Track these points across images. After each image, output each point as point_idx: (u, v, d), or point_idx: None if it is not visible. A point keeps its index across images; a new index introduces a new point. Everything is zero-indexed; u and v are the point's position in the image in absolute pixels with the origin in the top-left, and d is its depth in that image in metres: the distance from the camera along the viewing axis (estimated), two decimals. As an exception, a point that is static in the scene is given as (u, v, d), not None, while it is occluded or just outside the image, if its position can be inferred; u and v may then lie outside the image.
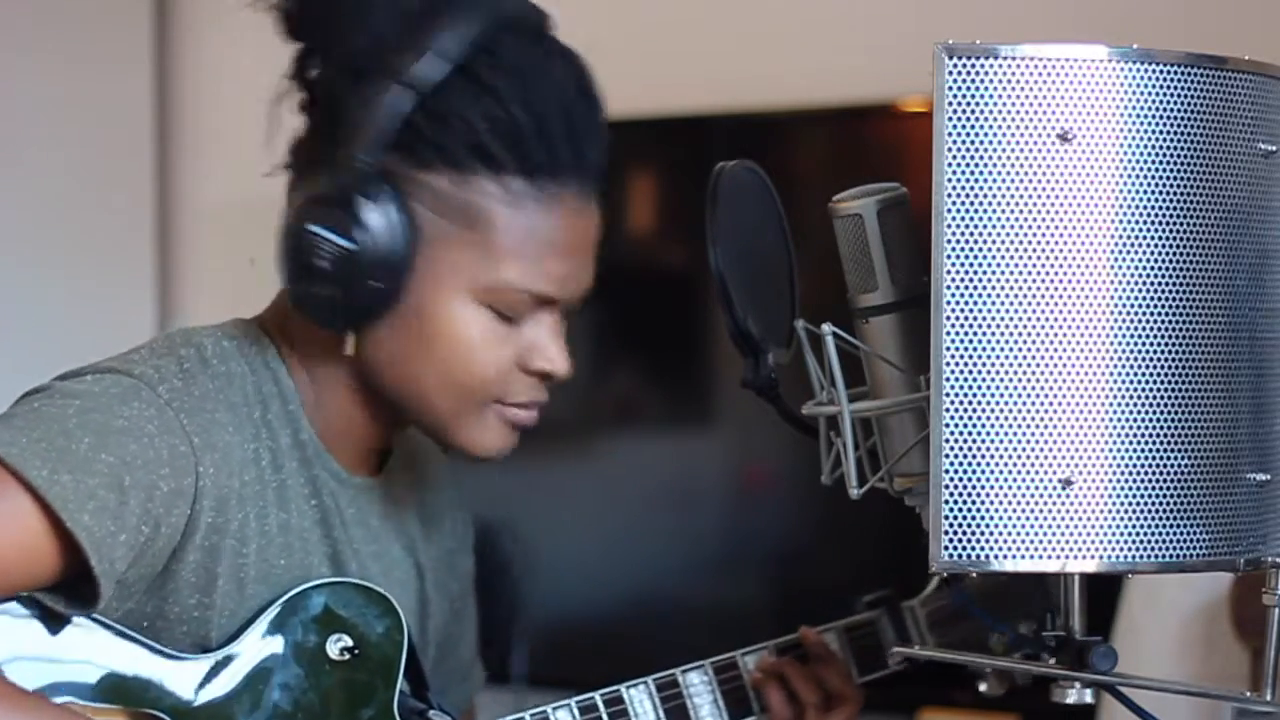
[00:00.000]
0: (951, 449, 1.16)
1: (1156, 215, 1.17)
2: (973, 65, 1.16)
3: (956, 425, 1.16)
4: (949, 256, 1.16)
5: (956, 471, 1.16)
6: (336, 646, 1.41)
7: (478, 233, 1.39)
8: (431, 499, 1.60)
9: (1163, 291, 1.17)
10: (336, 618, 1.42)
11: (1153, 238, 1.17)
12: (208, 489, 1.35)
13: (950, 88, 1.16)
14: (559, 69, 1.42)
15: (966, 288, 1.16)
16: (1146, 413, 1.17)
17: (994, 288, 1.16)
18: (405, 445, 1.56)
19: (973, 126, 1.16)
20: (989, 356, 1.16)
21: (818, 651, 1.60)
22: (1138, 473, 1.17)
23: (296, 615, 1.40)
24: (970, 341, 1.16)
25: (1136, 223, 1.17)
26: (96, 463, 1.29)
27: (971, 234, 1.16)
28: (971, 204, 1.16)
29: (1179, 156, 1.18)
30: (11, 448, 1.27)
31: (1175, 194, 1.18)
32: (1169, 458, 1.18)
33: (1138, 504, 1.17)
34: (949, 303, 1.16)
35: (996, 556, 1.16)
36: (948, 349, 1.16)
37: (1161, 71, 1.17)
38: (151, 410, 1.33)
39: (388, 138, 1.36)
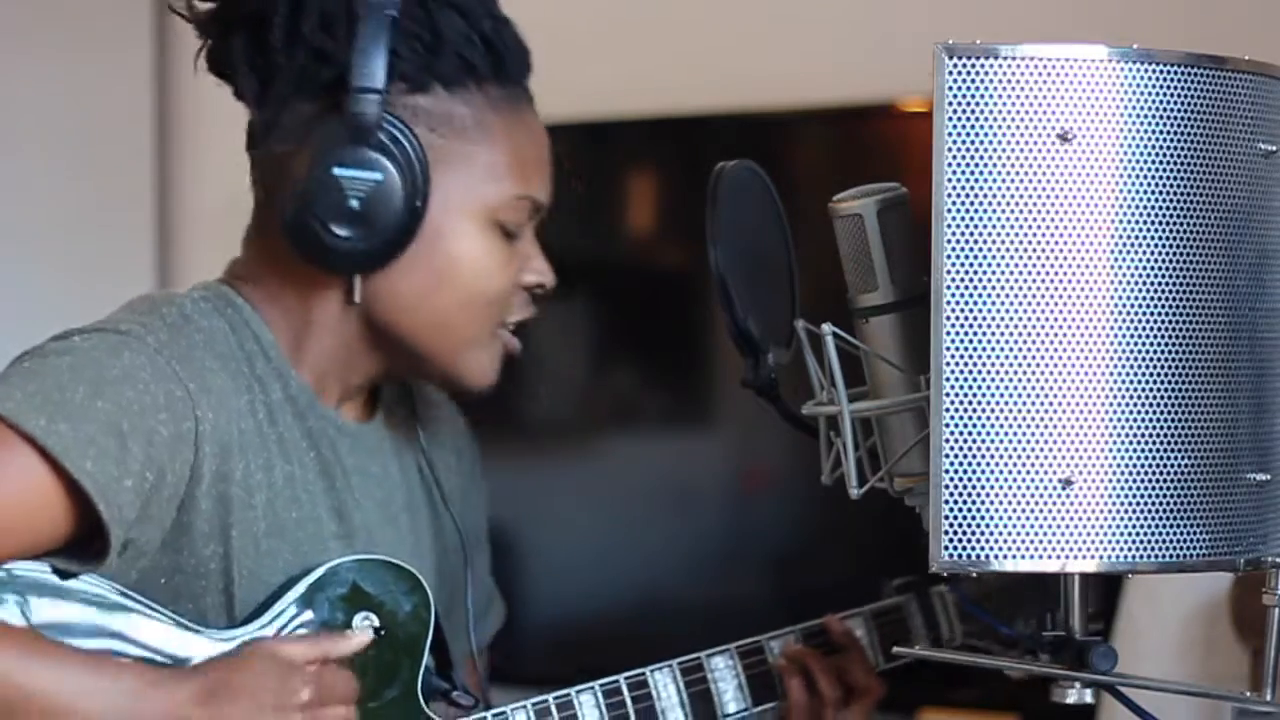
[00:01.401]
0: (951, 449, 1.16)
1: (1156, 215, 1.17)
2: (973, 65, 1.16)
3: (956, 425, 1.16)
4: (949, 256, 1.16)
5: (956, 471, 1.16)
6: (363, 625, 1.41)
7: (476, 145, 1.44)
8: (432, 433, 1.60)
9: (1163, 291, 1.17)
10: (364, 595, 1.41)
11: (1153, 238, 1.17)
12: (208, 433, 1.35)
13: (950, 88, 1.16)
14: None
15: (966, 288, 1.16)
16: (1146, 413, 1.17)
17: (994, 288, 1.16)
18: (403, 390, 1.57)
19: (973, 126, 1.16)
20: (989, 356, 1.16)
21: (842, 642, 1.61)
22: (1138, 473, 1.17)
23: (324, 592, 1.40)
24: (970, 341, 1.16)
25: (1136, 223, 1.17)
26: (93, 410, 1.29)
27: (971, 234, 1.16)
28: (971, 204, 1.16)
29: (1179, 156, 1.18)
30: (7, 402, 1.28)
31: (1175, 194, 1.18)
32: (1169, 458, 1.18)
33: (1138, 504, 1.17)
34: (949, 303, 1.16)
35: (996, 556, 1.16)
36: (948, 349, 1.16)
37: (1161, 71, 1.17)
38: (143, 358, 1.34)
39: (382, 68, 1.39)
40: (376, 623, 1.41)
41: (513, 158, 1.46)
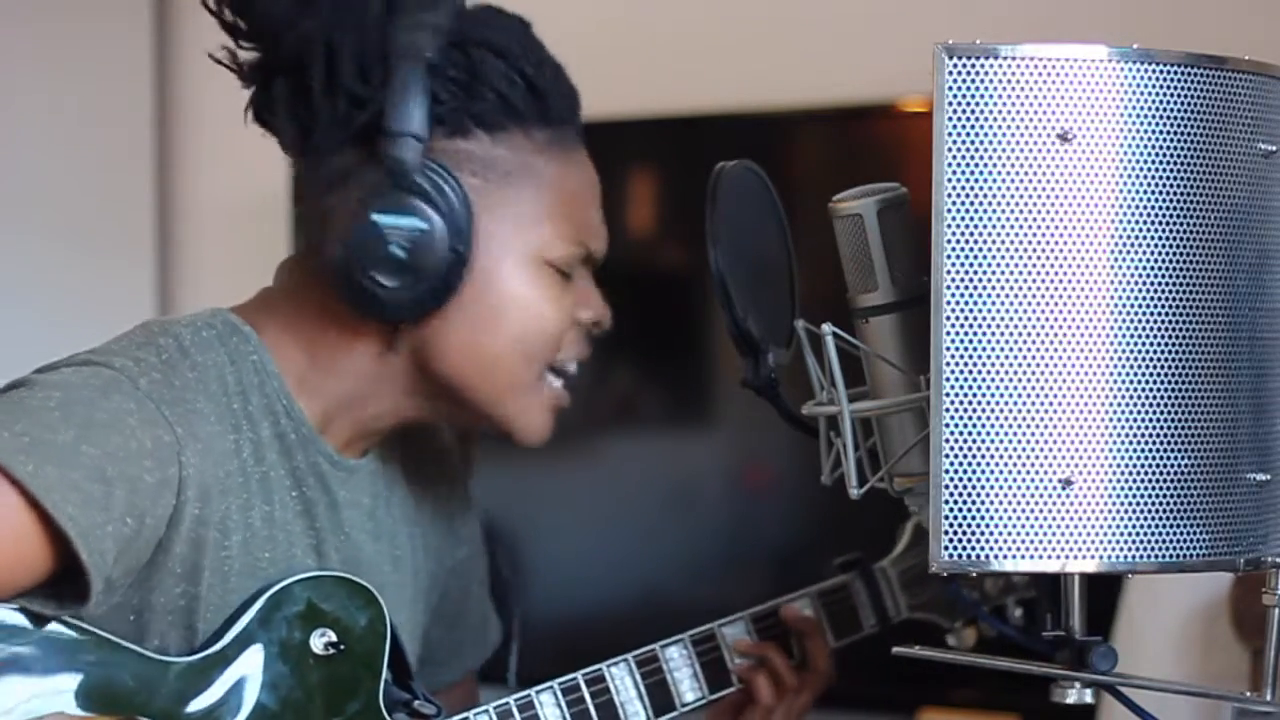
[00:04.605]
0: (951, 449, 1.16)
1: (1156, 215, 1.17)
2: (973, 65, 1.16)
3: (956, 425, 1.16)
4: (949, 256, 1.16)
5: (956, 471, 1.16)
6: (321, 641, 1.41)
7: (521, 189, 1.43)
8: (421, 469, 1.60)
9: (1163, 291, 1.17)
10: (319, 612, 1.41)
11: (1153, 238, 1.17)
12: (191, 479, 1.34)
13: (950, 88, 1.16)
14: (528, 29, 1.48)
15: (966, 288, 1.16)
16: (1146, 413, 1.17)
17: (994, 288, 1.16)
18: None
19: (973, 126, 1.16)
20: (989, 356, 1.16)
21: (800, 628, 1.61)
22: (1138, 473, 1.17)
23: (280, 611, 1.40)
24: (970, 341, 1.16)
25: (1136, 223, 1.17)
26: (80, 455, 1.28)
27: (971, 234, 1.16)
28: (971, 204, 1.16)
29: (1179, 156, 1.18)
30: None
31: (1175, 194, 1.18)
32: (1169, 458, 1.18)
33: (1138, 504, 1.17)
34: (949, 303, 1.16)
35: (996, 556, 1.16)
36: (948, 349, 1.16)
37: (1161, 71, 1.17)
38: (132, 403, 1.33)
39: (420, 113, 1.38)
40: (334, 638, 1.41)
41: (560, 200, 1.46)
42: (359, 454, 1.51)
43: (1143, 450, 1.17)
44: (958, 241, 1.16)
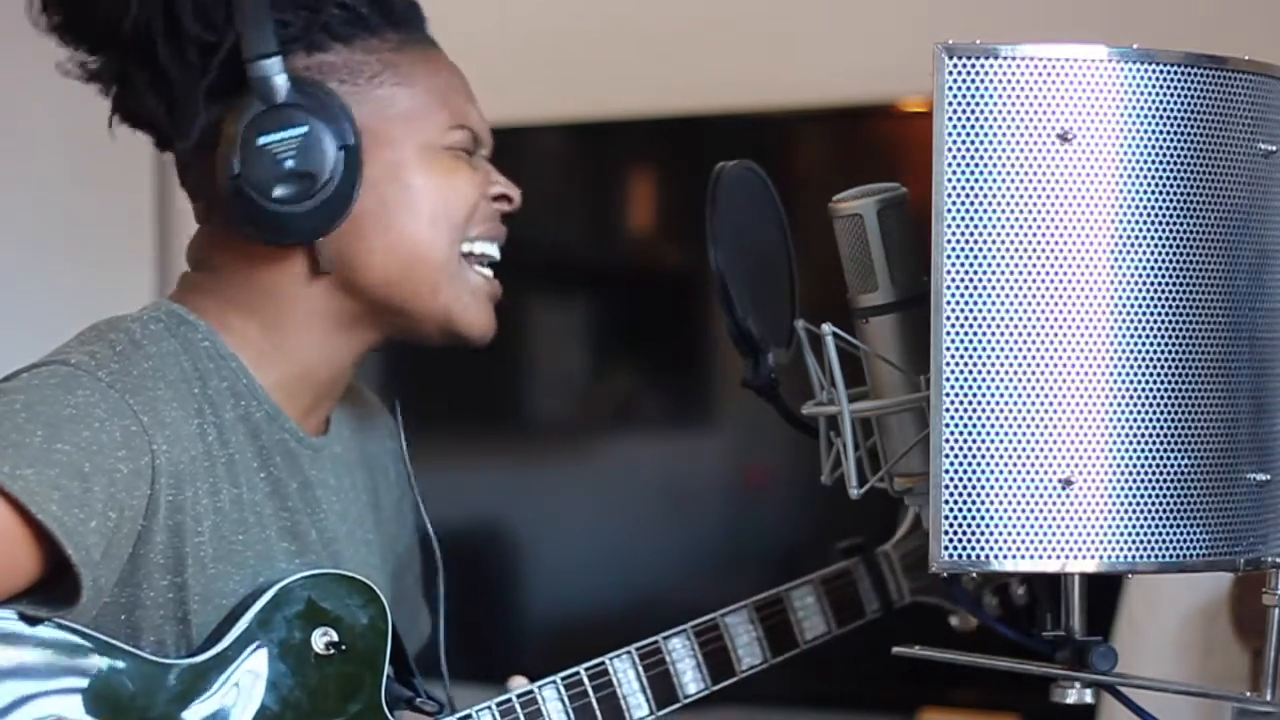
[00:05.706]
0: (951, 449, 1.16)
1: (1156, 215, 1.17)
2: (973, 65, 1.16)
3: (956, 425, 1.16)
4: (949, 256, 1.16)
5: (956, 471, 1.16)
6: (322, 641, 1.40)
7: (392, 87, 1.46)
8: (375, 450, 1.60)
9: (1163, 291, 1.17)
10: (320, 611, 1.41)
11: (1153, 238, 1.17)
12: (163, 466, 1.34)
13: (950, 88, 1.16)
14: None
15: (966, 288, 1.16)
16: (1146, 413, 1.17)
17: (994, 288, 1.16)
18: (343, 400, 1.57)
19: (973, 126, 1.16)
20: (989, 356, 1.16)
21: None
22: (1138, 473, 1.17)
23: (280, 611, 1.39)
24: (970, 341, 1.16)
25: (1136, 223, 1.17)
26: (54, 453, 1.28)
27: (971, 234, 1.16)
28: (971, 204, 1.16)
29: (1179, 156, 1.18)
30: None
31: (1175, 194, 1.18)
32: (1169, 458, 1.18)
33: (1138, 504, 1.17)
34: (949, 303, 1.16)
35: (996, 556, 1.17)
36: (948, 349, 1.17)
37: (1161, 71, 1.18)
38: (96, 395, 1.33)
39: (272, 34, 1.41)
40: (335, 638, 1.41)
41: (433, 94, 1.48)
42: (320, 428, 1.51)
43: (1143, 450, 1.17)
44: (958, 241, 1.16)
